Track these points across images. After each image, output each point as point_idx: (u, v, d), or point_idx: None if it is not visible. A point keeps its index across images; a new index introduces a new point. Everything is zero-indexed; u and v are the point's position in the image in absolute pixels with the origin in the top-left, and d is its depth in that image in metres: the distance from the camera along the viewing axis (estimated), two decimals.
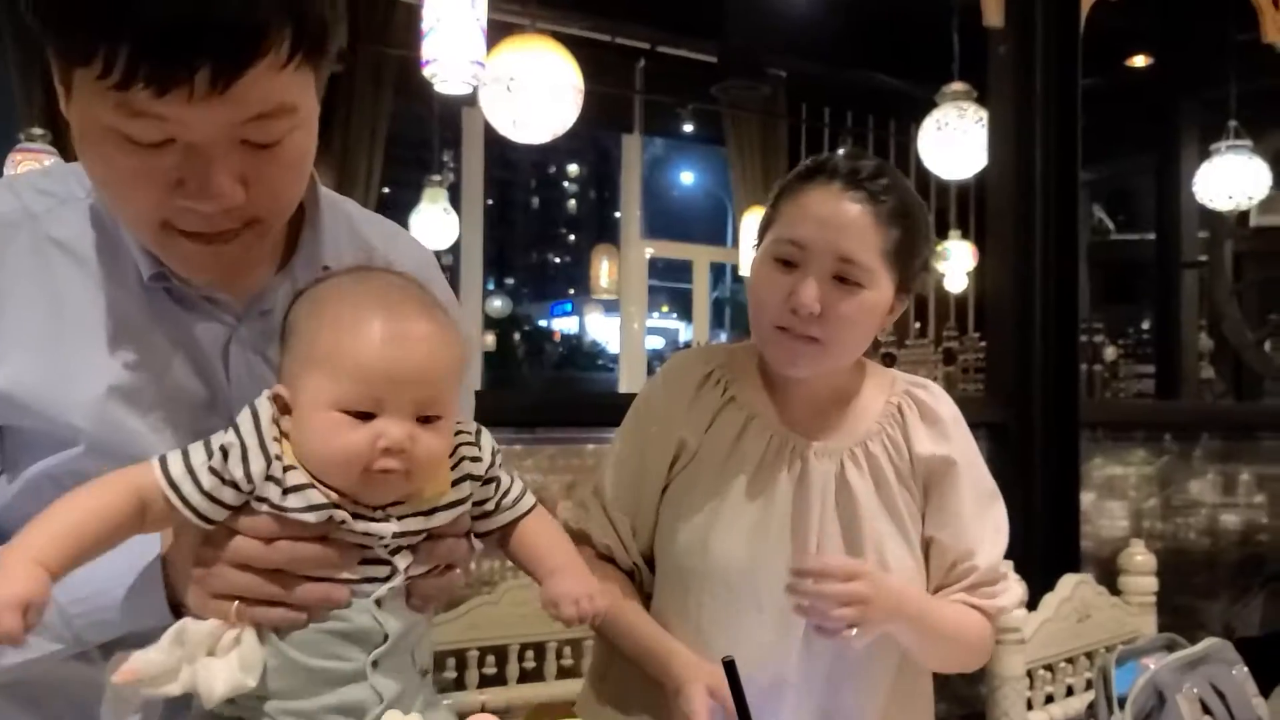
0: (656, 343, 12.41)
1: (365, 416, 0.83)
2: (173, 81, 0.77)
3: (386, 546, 0.85)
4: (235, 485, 0.82)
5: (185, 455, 0.83)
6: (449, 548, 0.90)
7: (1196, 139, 6.15)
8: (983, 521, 1.35)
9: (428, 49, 3.13)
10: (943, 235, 6.70)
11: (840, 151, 1.36)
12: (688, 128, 7.67)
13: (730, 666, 0.87)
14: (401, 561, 0.86)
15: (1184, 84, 6.26)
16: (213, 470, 0.82)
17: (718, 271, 8.42)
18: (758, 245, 1.36)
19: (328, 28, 0.83)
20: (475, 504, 0.92)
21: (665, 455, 1.36)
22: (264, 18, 0.78)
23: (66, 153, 5.19)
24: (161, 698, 0.82)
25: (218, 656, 0.81)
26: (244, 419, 0.85)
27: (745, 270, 6.97)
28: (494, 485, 0.94)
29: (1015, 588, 1.41)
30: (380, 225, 1.15)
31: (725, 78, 6.58)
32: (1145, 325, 8.90)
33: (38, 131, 5.09)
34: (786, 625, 1.25)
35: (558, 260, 23.88)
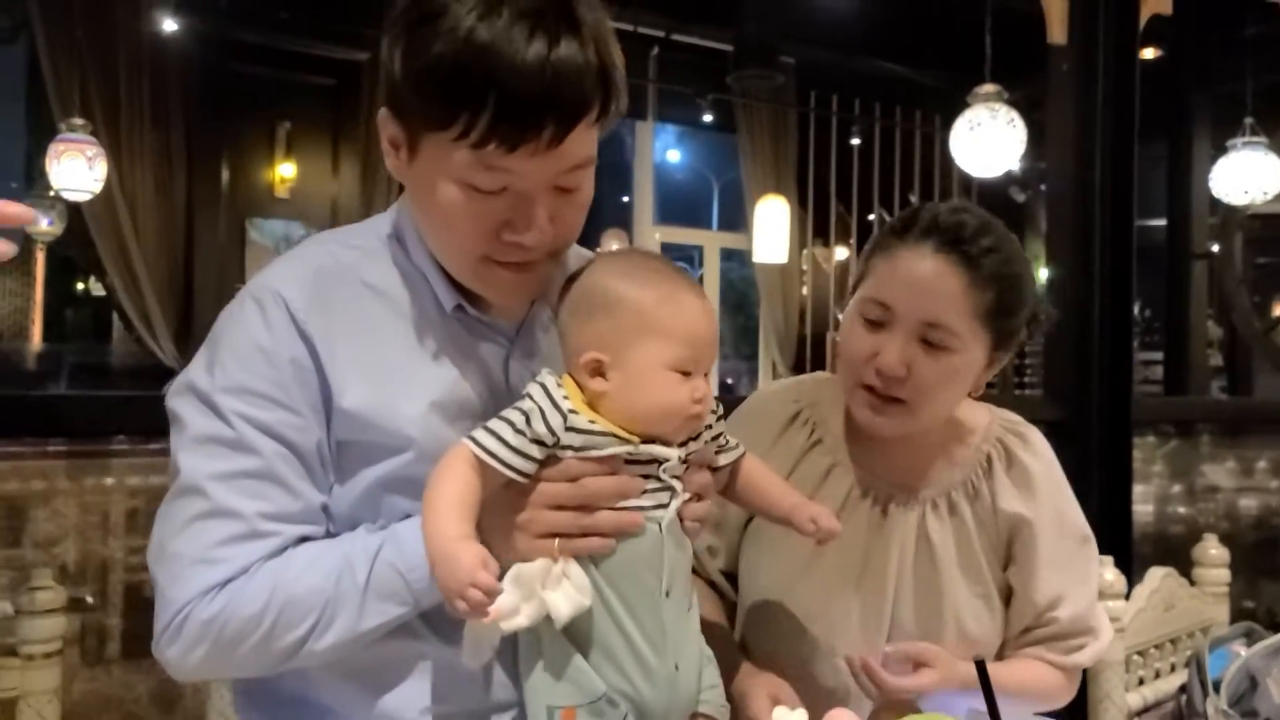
0: None
1: (685, 374, 1.02)
2: (523, 139, 0.96)
3: (668, 472, 1.03)
4: (540, 441, 0.99)
5: (490, 431, 1.00)
6: (700, 478, 1.08)
7: (1208, 133, 6.33)
8: (1067, 575, 1.33)
9: None
10: None
11: (942, 205, 1.30)
12: (700, 116, 7.76)
13: (980, 666, 1.02)
14: (679, 485, 1.04)
15: (1195, 78, 6.42)
16: (518, 432, 0.99)
17: (726, 258, 8.51)
18: (851, 294, 1.35)
19: (620, 93, 1.02)
20: (714, 438, 1.12)
21: None
22: (589, 89, 0.98)
23: (103, 137, 5.26)
24: (510, 631, 0.97)
25: (549, 589, 0.97)
26: (534, 390, 1.02)
27: (758, 257, 7.12)
28: (723, 423, 1.14)
29: (1098, 641, 1.37)
30: (578, 251, 1.30)
31: (739, 66, 6.67)
32: (1135, 311, 9.11)
33: (78, 122, 5.15)
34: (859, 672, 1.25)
35: None
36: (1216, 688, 1.77)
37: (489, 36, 0.94)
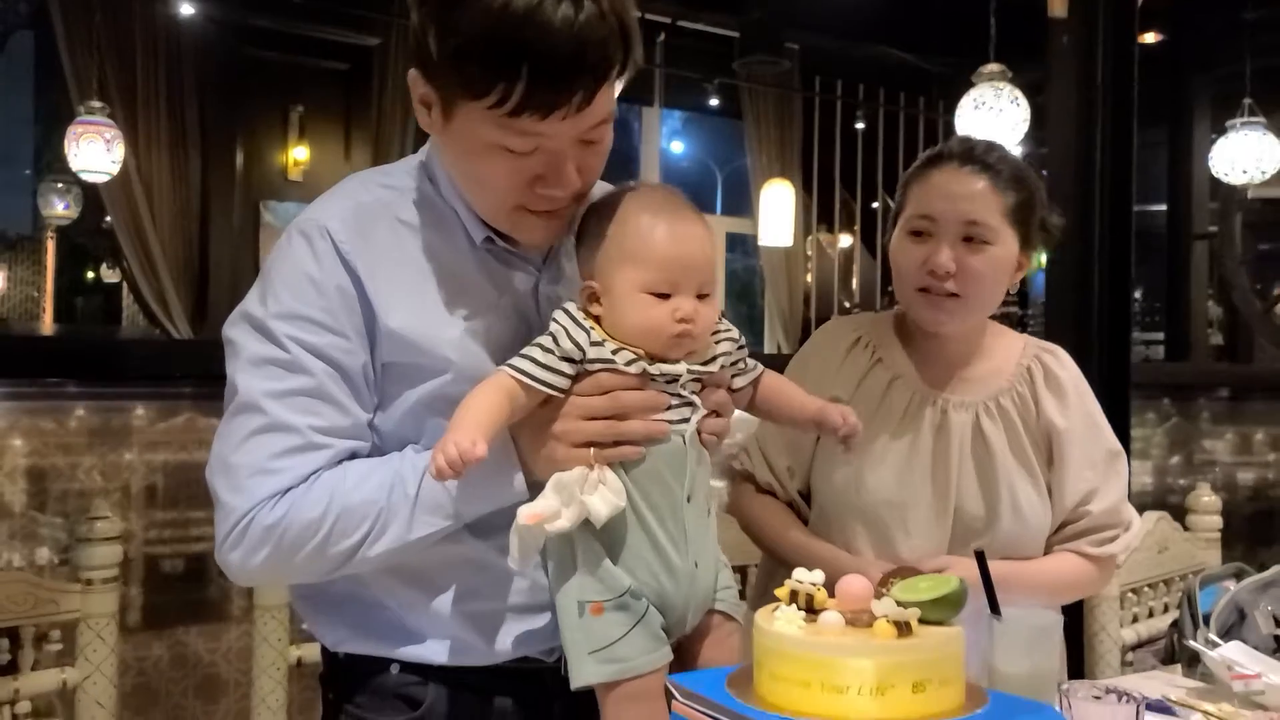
0: None
1: (664, 296, 1.10)
2: (555, 106, 1.03)
3: (685, 387, 1.13)
4: (569, 358, 1.09)
5: (524, 355, 1.10)
6: (718, 396, 1.17)
7: (1208, 116, 6.41)
8: (1098, 475, 1.55)
9: None
10: None
11: (955, 139, 1.58)
12: (707, 101, 7.83)
13: (980, 556, 1.11)
14: (698, 400, 1.14)
15: (1195, 61, 6.50)
16: (547, 351, 1.09)
17: (730, 248, 8.57)
18: (892, 230, 1.57)
19: (637, 46, 1.09)
20: (731, 363, 1.20)
21: None
22: (611, 53, 1.04)
23: (119, 121, 5.35)
24: (554, 533, 1.07)
25: (587, 494, 1.06)
26: (558, 315, 1.12)
27: (763, 240, 7.21)
28: (743, 350, 1.22)
29: (1129, 533, 1.58)
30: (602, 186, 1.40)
31: (745, 52, 6.74)
32: (1138, 295, 9.21)
33: (96, 104, 5.25)
34: (930, 544, 1.49)
35: None
36: (1206, 621, 1.85)
37: (521, 9, 0.99)
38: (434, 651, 1.18)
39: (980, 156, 1.49)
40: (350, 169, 6.96)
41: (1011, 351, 1.60)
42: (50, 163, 7.00)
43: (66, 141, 5.14)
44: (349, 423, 1.14)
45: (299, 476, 1.11)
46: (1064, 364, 1.60)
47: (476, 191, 1.15)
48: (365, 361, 1.15)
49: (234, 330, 1.16)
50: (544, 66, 1.00)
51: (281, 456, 1.11)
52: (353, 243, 1.14)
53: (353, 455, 1.15)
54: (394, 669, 1.20)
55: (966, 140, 1.54)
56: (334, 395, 1.13)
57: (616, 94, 1.11)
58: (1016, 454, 1.54)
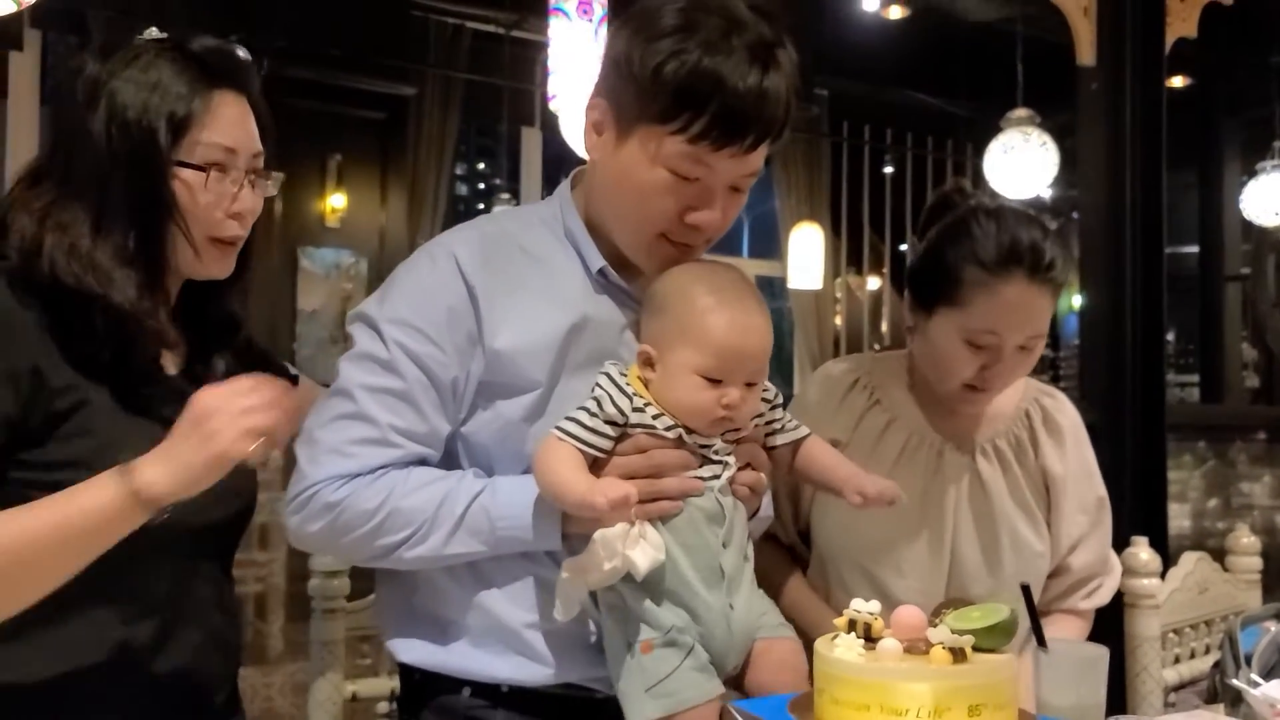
0: None
1: (715, 382, 1.16)
2: (731, 143, 1.17)
3: (717, 452, 1.19)
4: (613, 421, 1.16)
5: (570, 419, 1.17)
6: (749, 449, 1.24)
7: (1238, 159, 6.43)
8: (1090, 520, 1.57)
9: (554, 85, 3.43)
10: None
11: (1013, 224, 1.44)
12: None
13: (1026, 589, 1.14)
14: (731, 459, 1.20)
15: (1224, 106, 6.53)
16: (592, 415, 1.16)
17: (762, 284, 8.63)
18: (927, 307, 1.49)
19: (789, 123, 1.23)
20: (766, 423, 1.26)
21: None
22: (781, 115, 1.19)
23: None
24: (597, 588, 1.14)
25: (628, 549, 1.11)
26: (601, 380, 1.20)
27: (793, 284, 7.27)
28: (778, 411, 1.28)
29: (1111, 578, 1.63)
30: None
31: None
32: (1171, 337, 9.17)
33: None
34: (925, 586, 1.49)
35: None
36: (1249, 660, 1.86)
37: (724, 61, 1.14)
38: (502, 669, 1.24)
39: (1050, 270, 1.43)
40: (386, 216, 7.08)
41: (1012, 394, 1.58)
42: None
43: None
44: (426, 430, 1.23)
45: (367, 466, 1.21)
46: (1063, 409, 1.60)
47: (629, 212, 1.24)
48: (456, 377, 1.24)
49: (352, 326, 1.29)
50: (729, 110, 1.15)
51: (358, 444, 1.21)
52: (475, 266, 1.25)
53: (422, 461, 1.24)
54: (465, 692, 1.26)
55: (1032, 236, 1.43)
56: (419, 402, 1.23)
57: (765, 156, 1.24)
58: (1015, 497, 1.53)
